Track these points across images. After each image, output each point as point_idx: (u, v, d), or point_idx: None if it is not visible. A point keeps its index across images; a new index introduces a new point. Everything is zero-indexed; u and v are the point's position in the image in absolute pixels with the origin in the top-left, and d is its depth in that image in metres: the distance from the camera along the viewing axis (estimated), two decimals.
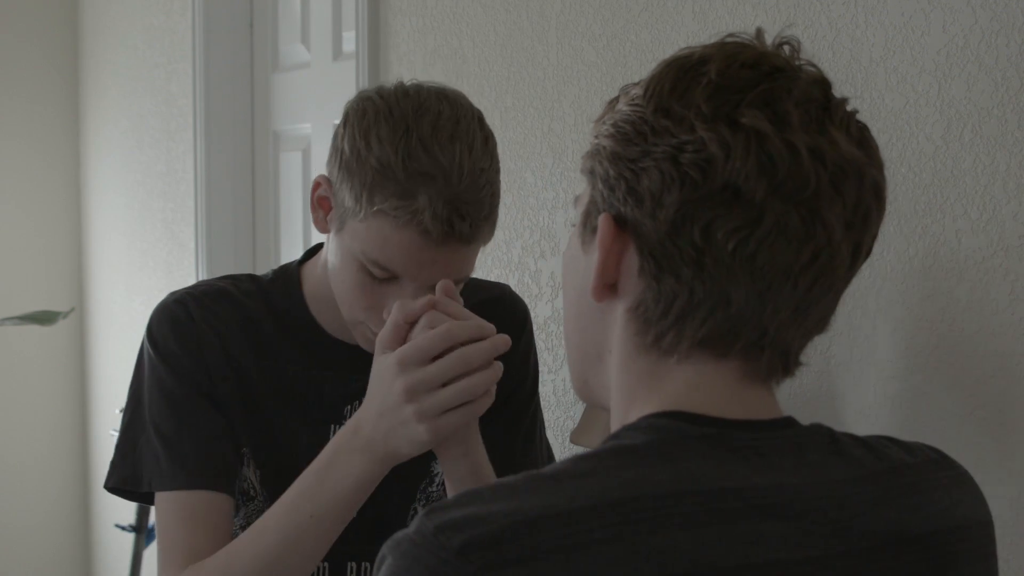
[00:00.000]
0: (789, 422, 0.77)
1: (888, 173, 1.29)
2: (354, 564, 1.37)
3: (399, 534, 0.68)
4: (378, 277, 1.18)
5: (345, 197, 1.17)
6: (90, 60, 3.59)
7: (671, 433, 0.72)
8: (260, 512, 1.28)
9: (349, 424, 1.14)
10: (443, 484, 1.39)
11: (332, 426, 1.33)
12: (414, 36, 2.09)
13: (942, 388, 1.27)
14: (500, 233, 1.53)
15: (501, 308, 1.37)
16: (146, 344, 1.29)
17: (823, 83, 0.74)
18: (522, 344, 1.37)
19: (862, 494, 0.74)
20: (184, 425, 1.25)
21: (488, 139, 1.18)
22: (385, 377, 1.09)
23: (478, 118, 1.19)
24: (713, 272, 0.71)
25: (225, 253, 2.86)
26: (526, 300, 1.86)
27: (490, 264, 1.92)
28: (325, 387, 1.32)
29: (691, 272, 0.72)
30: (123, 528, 2.94)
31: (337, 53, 2.52)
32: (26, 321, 2.89)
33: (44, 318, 2.91)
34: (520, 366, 1.36)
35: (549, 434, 1.83)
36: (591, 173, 0.78)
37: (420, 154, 1.12)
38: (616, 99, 0.78)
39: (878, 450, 0.79)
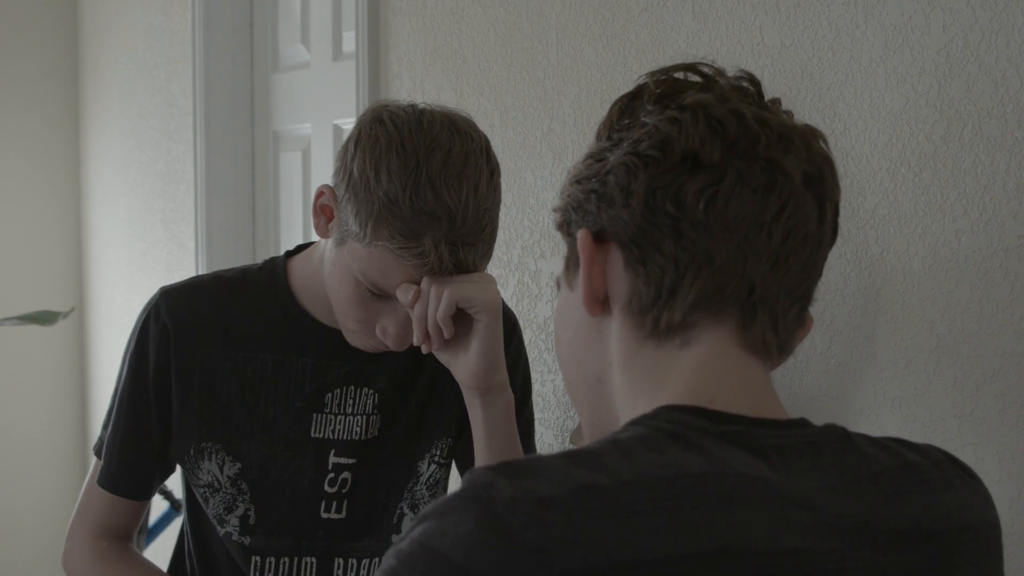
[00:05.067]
0: (804, 422, 0.78)
1: (888, 173, 1.30)
2: (341, 560, 1.39)
3: (438, 501, 0.69)
4: (374, 294, 1.22)
5: (349, 219, 1.19)
6: (90, 60, 3.59)
7: (690, 428, 0.73)
8: (228, 504, 1.35)
9: None
10: (427, 484, 1.41)
11: (314, 415, 1.34)
12: (414, 36, 2.09)
13: (942, 388, 1.27)
14: (500, 233, 1.53)
15: None
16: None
17: (756, 83, 0.81)
18: (511, 352, 1.39)
19: (879, 490, 0.76)
20: (118, 431, 1.37)
21: (494, 172, 1.21)
22: None
23: (485, 150, 1.21)
24: (692, 236, 0.76)
25: (225, 253, 2.86)
26: (526, 300, 1.86)
27: (490, 264, 1.92)
28: (306, 375, 1.35)
29: (672, 242, 0.76)
30: None
31: (337, 53, 2.52)
32: (26, 321, 2.89)
33: (44, 318, 2.91)
34: (509, 373, 1.37)
35: (549, 434, 1.83)
36: (564, 211, 0.83)
37: (428, 193, 1.15)
38: None
39: (890, 448, 0.80)
